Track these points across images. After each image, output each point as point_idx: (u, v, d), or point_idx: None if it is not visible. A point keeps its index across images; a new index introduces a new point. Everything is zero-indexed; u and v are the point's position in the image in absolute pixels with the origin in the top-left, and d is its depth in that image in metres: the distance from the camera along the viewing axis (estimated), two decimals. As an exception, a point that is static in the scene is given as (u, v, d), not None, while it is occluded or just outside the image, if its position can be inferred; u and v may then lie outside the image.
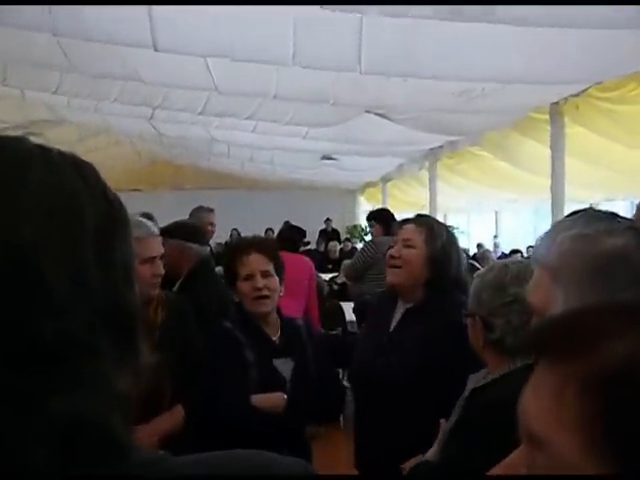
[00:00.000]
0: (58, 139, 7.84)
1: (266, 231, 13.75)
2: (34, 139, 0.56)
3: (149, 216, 2.70)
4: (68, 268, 0.47)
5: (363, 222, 10.13)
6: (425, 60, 3.73)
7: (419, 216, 2.37)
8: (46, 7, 3.46)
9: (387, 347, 2.19)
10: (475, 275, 1.75)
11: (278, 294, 2.32)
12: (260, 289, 2.26)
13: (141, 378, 0.52)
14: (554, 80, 4.01)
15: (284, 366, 2.28)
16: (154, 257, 2.12)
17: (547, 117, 4.82)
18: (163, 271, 2.16)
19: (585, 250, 1.04)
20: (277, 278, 2.31)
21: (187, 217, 4.61)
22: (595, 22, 2.80)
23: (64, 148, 0.58)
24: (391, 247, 2.29)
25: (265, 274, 2.28)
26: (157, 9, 3.46)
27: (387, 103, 5.19)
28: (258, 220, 14.80)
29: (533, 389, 0.60)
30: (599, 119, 4.56)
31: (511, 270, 1.63)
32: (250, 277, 2.28)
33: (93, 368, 0.48)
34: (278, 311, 2.38)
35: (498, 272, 1.65)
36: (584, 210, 1.15)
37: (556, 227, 1.14)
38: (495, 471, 1.04)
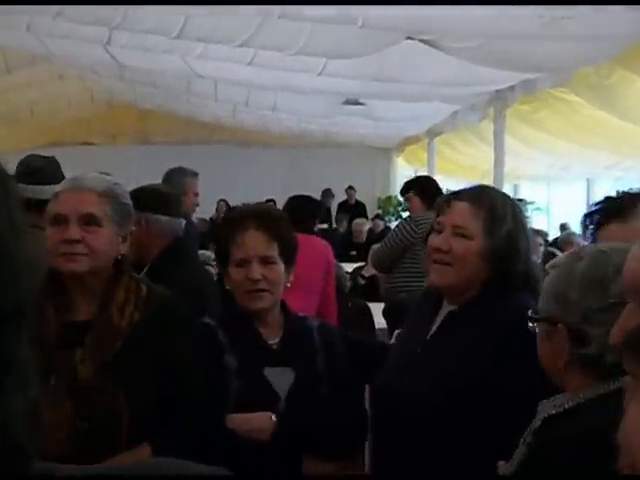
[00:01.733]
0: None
1: (266, 203, 13.72)
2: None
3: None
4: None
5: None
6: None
7: (476, 190, 2.30)
8: None
9: (419, 360, 2.21)
10: (550, 266, 1.73)
11: (282, 286, 2.36)
12: (255, 281, 2.30)
13: None
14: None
15: (280, 378, 2.31)
16: (64, 215, 2.08)
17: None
18: (78, 237, 2.07)
19: None
20: (282, 265, 2.34)
21: (158, 182, 4.63)
22: None
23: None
24: (438, 232, 2.24)
25: (265, 260, 2.31)
26: None
27: (437, 26, 5.15)
28: (255, 188, 14.80)
29: None
30: None
31: (613, 259, 1.59)
32: (244, 263, 2.31)
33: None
34: (283, 306, 2.42)
35: (595, 260, 1.61)
36: None
37: None
38: None
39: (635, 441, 0.60)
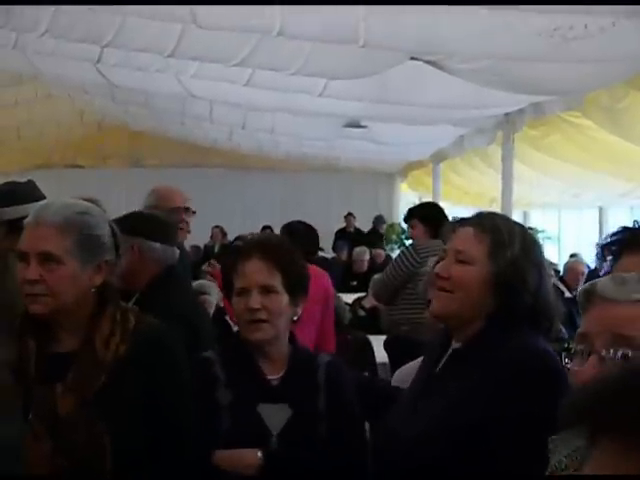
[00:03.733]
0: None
1: (263, 229, 13.80)
2: None
3: (95, 203, 2.71)
4: None
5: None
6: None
7: (480, 216, 2.29)
8: None
9: (421, 402, 2.19)
10: None
11: (284, 318, 2.39)
12: (254, 310, 2.33)
13: None
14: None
15: (276, 415, 2.35)
16: (25, 253, 2.08)
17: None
18: (37, 277, 2.04)
19: None
20: (286, 296, 2.37)
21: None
22: None
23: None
24: (440, 259, 2.25)
25: (266, 289, 2.35)
26: None
27: (442, 46, 5.19)
28: (252, 214, 14.84)
29: None
30: None
31: None
32: (244, 292, 2.36)
33: None
34: (293, 341, 2.46)
35: None
36: None
37: None
38: None
39: None
